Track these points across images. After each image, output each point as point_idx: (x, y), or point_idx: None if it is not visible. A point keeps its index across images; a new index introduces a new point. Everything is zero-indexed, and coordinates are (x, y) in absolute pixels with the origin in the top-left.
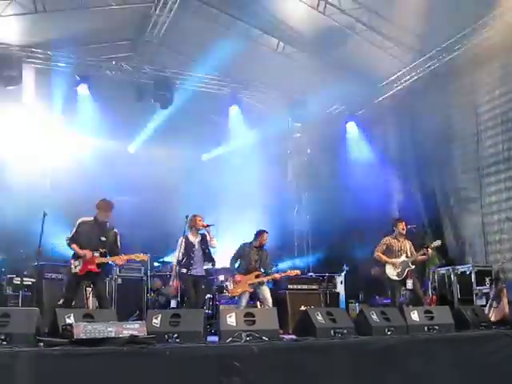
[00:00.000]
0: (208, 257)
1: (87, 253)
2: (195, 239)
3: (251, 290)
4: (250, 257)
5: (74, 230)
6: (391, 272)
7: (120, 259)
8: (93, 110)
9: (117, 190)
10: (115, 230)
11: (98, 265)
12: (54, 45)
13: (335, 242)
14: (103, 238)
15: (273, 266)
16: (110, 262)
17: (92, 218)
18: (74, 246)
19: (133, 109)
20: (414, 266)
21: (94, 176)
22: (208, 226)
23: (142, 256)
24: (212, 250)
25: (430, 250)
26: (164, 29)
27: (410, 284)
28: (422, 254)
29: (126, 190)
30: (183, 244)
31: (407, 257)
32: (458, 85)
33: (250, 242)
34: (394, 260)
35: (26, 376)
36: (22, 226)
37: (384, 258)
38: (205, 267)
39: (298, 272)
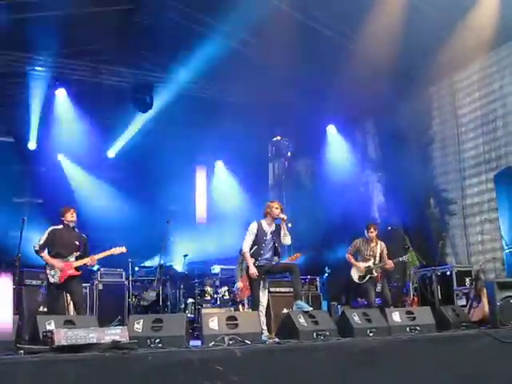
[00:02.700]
0: (276, 251)
1: (61, 264)
2: (269, 228)
3: None
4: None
5: (45, 237)
6: (354, 275)
7: (93, 258)
8: (72, 113)
9: (95, 195)
10: (84, 236)
11: (76, 268)
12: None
13: (317, 244)
14: (77, 242)
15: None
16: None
17: (61, 226)
18: (43, 254)
19: (112, 113)
20: (376, 274)
21: (73, 180)
22: (284, 219)
23: (119, 249)
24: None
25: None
26: (143, 32)
27: (378, 287)
28: (384, 265)
29: (104, 194)
30: (255, 230)
31: (374, 263)
32: (437, 87)
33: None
34: (360, 263)
35: None
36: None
37: (352, 260)
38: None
39: (298, 255)
